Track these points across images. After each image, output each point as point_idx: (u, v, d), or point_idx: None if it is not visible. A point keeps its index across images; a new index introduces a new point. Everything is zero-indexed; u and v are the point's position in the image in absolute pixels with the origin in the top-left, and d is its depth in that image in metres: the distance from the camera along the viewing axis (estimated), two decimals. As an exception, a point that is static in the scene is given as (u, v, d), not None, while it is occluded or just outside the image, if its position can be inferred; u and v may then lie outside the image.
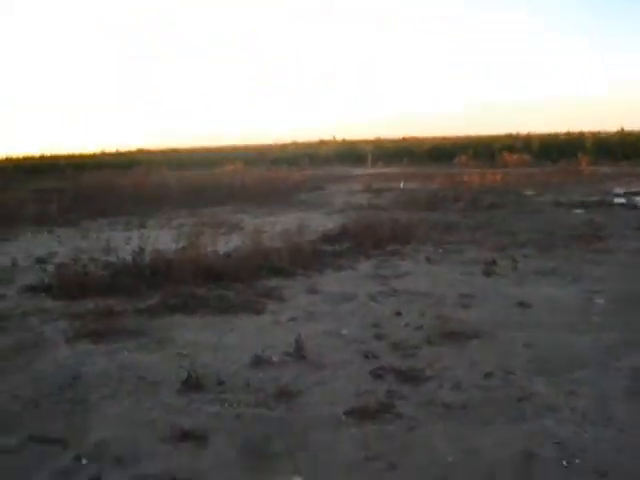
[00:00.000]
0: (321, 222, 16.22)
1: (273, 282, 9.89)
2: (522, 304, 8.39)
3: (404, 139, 63.57)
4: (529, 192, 22.42)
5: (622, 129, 51.08)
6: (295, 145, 61.56)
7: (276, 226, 13.81)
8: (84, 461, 4.78)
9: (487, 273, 10.23)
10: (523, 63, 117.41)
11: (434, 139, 58.74)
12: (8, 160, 55.27)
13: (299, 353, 6.70)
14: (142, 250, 10.71)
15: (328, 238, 13.48)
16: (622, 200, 19.05)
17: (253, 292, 9.30)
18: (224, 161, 43.30)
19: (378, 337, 7.21)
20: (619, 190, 21.52)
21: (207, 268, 10.11)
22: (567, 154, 40.93)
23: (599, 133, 55.04)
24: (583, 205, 18.22)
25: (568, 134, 55.98)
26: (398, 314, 8.09)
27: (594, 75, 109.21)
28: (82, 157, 55.17)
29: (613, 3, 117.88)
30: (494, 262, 10.92)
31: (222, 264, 10.42)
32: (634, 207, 17.80)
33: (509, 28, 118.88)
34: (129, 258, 10.68)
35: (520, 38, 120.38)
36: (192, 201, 21.55)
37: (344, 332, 7.45)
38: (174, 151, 60.50)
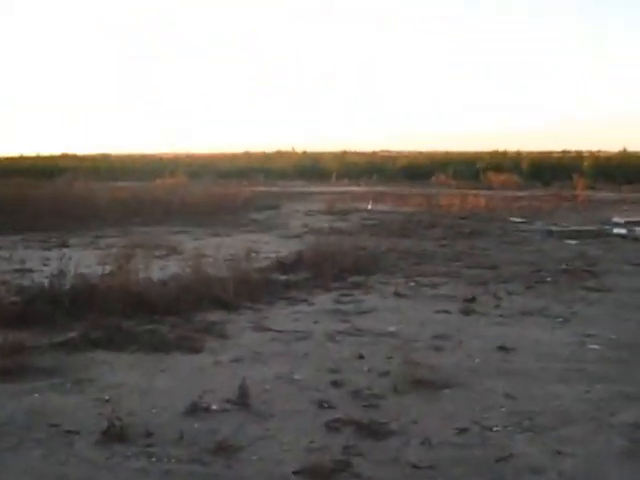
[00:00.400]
0: (274, 247, 16.21)
1: (215, 316, 9.84)
2: (504, 348, 8.45)
3: (374, 153, 64.00)
4: (516, 219, 22.69)
5: (624, 149, 51.98)
6: (248, 156, 61.60)
7: (221, 250, 13.74)
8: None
9: (465, 311, 10.30)
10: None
11: (409, 154, 59.25)
12: None
13: (243, 400, 6.65)
14: (62, 273, 10.57)
15: (281, 266, 13.46)
16: (621, 231, 19.38)
17: (191, 327, 9.24)
18: (165, 172, 43.10)
19: (336, 384, 7.20)
20: (618, 219, 21.88)
21: (138, 297, 10.01)
22: (561, 176, 41.51)
23: (598, 153, 55.99)
24: (577, 235, 18.49)
25: (563, 153, 56.91)
26: (360, 357, 8.08)
27: (595, 88, 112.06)
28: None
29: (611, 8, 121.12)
30: (473, 299, 11.00)
31: (156, 293, 10.33)
32: (635, 239, 18.10)
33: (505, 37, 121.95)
34: (46, 282, 10.54)
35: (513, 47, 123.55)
36: (124, 218, 21.41)
37: (297, 377, 7.42)
38: (105, 157, 60.10)
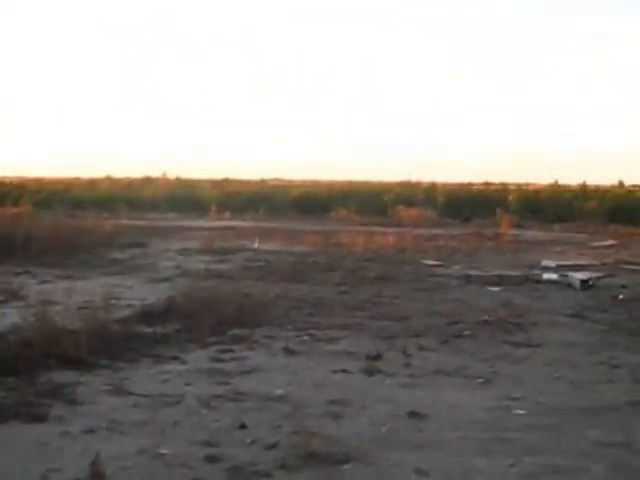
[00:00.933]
0: (139, 293, 16.03)
1: (64, 377, 9.62)
2: (415, 414, 8.49)
3: (262, 182, 64.28)
4: (430, 262, 23.03)
5: (555, 182, 53.49)
6: (110, 182, 61.01)
7: (74, 296, 13.52)
8: None
9: (369, 371, 10.33)
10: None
11: (304, 184, 59.69)
12: None
13: (96, 481, 6.51)
14: None
15: (148, 316, 13.30)
16: (552, 276, 19.82)
17: (33, 390, 8.99)
18: (6, 200, 42.34)
19: (212, 459, 7.11)
20: (549, 263, 22.40)
21: (-34, 354, 9.75)
22: (483, 212, 42.44)
23: (526, 186, 57.48)
24: (501, 281, 18.86)
25: (485, 185, 58.25)
26: (242, 427, 8.00)
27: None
28: None
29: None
30: (379, 356, 11.06)
31: (-10, 349, 10.08)
32: (568, 286, 18.55)
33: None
34: None
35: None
36: (-49, 256, 20.87)
37: (163, 451, 7.29)
38: None
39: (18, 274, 18.77)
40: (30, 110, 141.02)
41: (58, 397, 8.83)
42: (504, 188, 54.55)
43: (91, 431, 7.79)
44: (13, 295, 15.35)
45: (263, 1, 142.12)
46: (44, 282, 17.50)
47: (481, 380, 10.02)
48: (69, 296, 13.31)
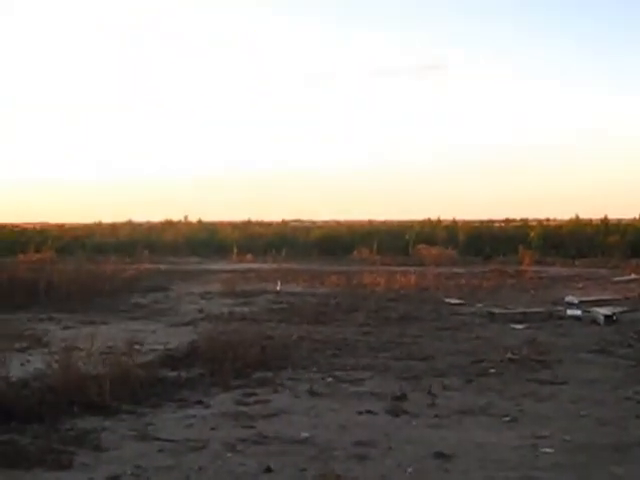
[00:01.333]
0: (162, 337, 16.03)
1: (88, 423, 9.61)
2: (442, 455, 8.43)
3: (284, 223, 64.40)
4: (452, 300, 22.95)
5: (577, 217, 53.27)
6: (130, 226, 61.23)
7: (97, 342, 13.50)
8: None
9: (394, 412, 10.28)
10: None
11: (325, 224, 59.75)
12: None
13: (122, 528, 6.48)
14: None
15: (171, 360, 13.30)
16: (576, 312, 19.73)
17: (58, 437, 8.99)
18: (29, 246, 42.55)
19: (238, 503, 7.08)
20: (572, 299, 22.29)
21: (-8, 401, 9.76)
22: (504, 248, 42.32)
23: (547, 221, 57.34)
24: (524, 318, 18.76)
25: (506, 222, 58.15)
26: (267, 470, 7.96)
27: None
28: None
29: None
30: (403, 396, 11.00)
31: (14, 396, 10.07)
32: (592, 322, 18.45)
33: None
34: None
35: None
36: (-25, 303, 20.94)
37: (189, 496, 7.28)
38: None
39: (42, 320, 18.82)
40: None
41: (83, 443, 8.82)
42: (525, 224, 54.48)
43: (116, 477, 7.77)
44: (37, 341, 15.39)
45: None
46: (67, 328, 17.53)
47: (507, 419, 9.95)
48: (92, 341, 13.29)
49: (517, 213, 74.23)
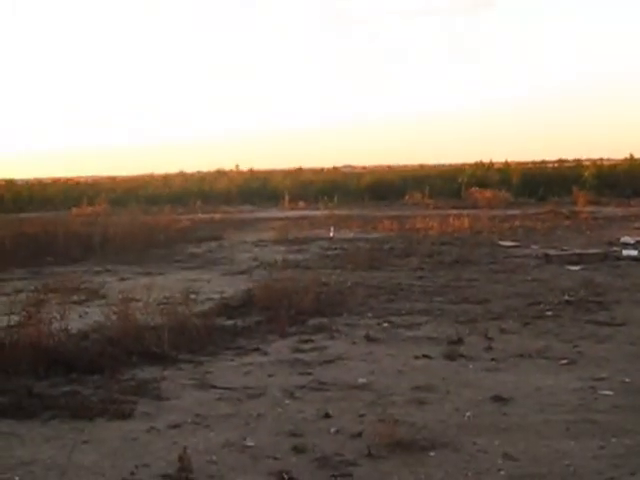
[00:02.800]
0: (217, 286, 16.13)
1: (148, 373, 9.73)
2: (499, 399, 8.43)
3: (335, 169, 64.23)
4: (507, 243, 22.82)
5: (631, 156, 52.51)
6: (183, 177, 61.44)
7: (153, 292, 13.61)
8: None
9: (450, 356, 10.28)
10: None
11: (376, 170, 59.52)
12: None
13: (184, 475, 6.55)
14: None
15: (227, 309, 13.40)
16: (633, 252, 19.54)
17: (118, 388, 9.10)
18: (83, 199, 42.89)
19: (298, 450, 7.12)
20: (628, 239, 22.08)
21: (52, 353, 9.89)
22: (558, 190, 41.89)
23: (601, 161, 56.59)
24: (580, 260, 18.62)
25: (560, 162, 57.50)
26: (326, 416, 8.02)
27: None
28: None
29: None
30: (460, 340, 11.00)
31: (74, 348, 10.22)
32: (649, 262, 18.28)
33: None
34: None
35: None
36: (34, 256, 21.18)
37: (249, 443, 7.33)
38: (9, 183, 59.52)
39: (98, 272, 19.00)
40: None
41: (143, 393, 8.92)
42: (579, 164, 53.85)
43: (177, 426, 7.87)
44: (94, 294, 15.54)
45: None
46: (123, 279, 17.69)
47: (565, 361, 9.91)
48: (149, 292, 13.41)
49: (570, 154, 73.37)
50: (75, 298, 14.63)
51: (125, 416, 8.19)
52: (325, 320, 12.57)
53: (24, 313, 11.44)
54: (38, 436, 7.70)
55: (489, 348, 10.65)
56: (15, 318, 11.34)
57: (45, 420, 8.12)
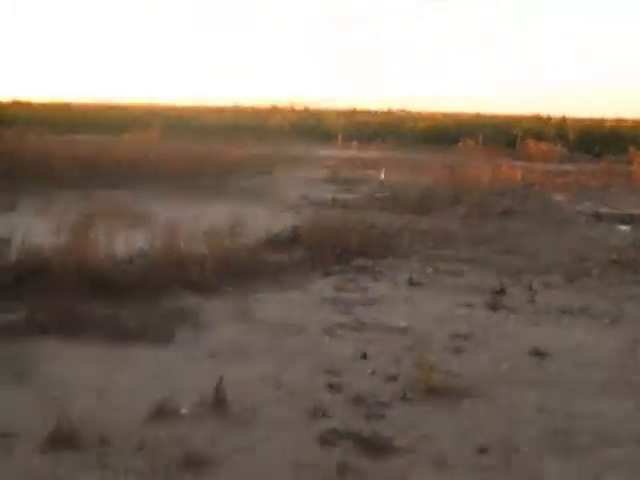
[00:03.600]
0: (265, 221, 16.12)
1: (189, 301, 9.84)
2: (538, 353, 8.42)
3: (390, 112, 63.77)
4: (559, 197, 22.64)
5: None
6: (237, 111, 61.35)
7: (201, 222, 13.67)
8: None
9: (492, 306, 10.28)
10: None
11: (432, 115, 59.02)
12: None
13: (219, 405, 6.62)
14: (6, 242, 10.54)
15: (273, 244, 13.46)
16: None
17: (159, 314, 9.22)
18: (136, 126, 42.96)
19: (333, 388, 7.18)
20: (683, 201, 21.81)
21: (97, 275, 10.02)
22: (615, 148, 41.34)
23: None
24: (631, 220, 18.44)
25: (617, 121, 56.63)
26: (363, 357, 8.07)
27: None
28: None
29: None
30: (503, 291, 10.98)
31: (119, 272, 10.33)
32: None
33: None
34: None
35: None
36: (84, 179, 21.27)
37: (286, 378, 7.40)
38: (65, 106, 59.82)
39: (147, 199, 19.01)
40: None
41: (183, 321, 9.02)
42: (637, 124, 53.09)
43: (214, 356, 7.95)
44: (142, 220, 15.58)
45: None
46: (172, 208, 17.73)
47: (607, 320, 9.86)
48: (196, 222, 13.47)
49: (629, 113, 72.25)
50: (122, 223, 14.72)
51: (164, 342, 8.29)
52: (370, 261, 12.59)
53: (72, 234, 11.57)
54: (76, 356, 7.82)
55: (532, 301, 10.62)
56: (63, 239, 11.47)
57: (85, 341, 8.23)
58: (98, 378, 7.22)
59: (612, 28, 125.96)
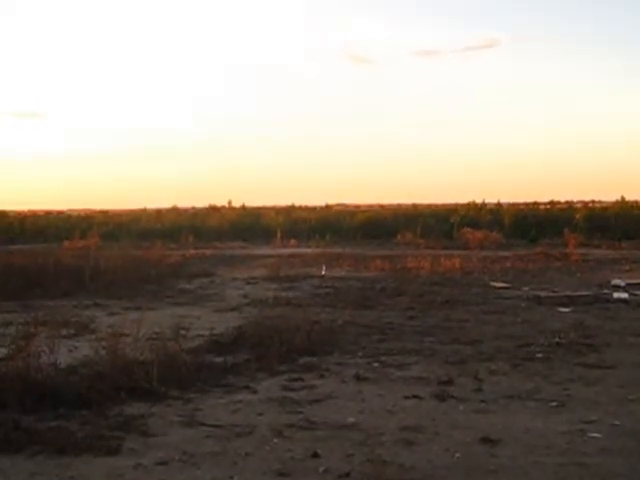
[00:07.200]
0: (207, 323, 16.09)
1: (136, 409, 9.69)
2: (489, 440, 8.41)
3: (328, 207, 64.35)
4: (498, 284, 22.85)
5: (622, 198, 52.78)
6: (175, 212, 61.52)
7: (143, 328, 13.58)
8: None
9: (440, 396, 10.26)
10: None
11: (369, 209, 59.67)
12: None
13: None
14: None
15: (217, 346, 13.36)
16: (623, 295, 19.59)
17: (106, 423, 9.06)
18: (74, 233, 42.85)
19: (285, 489, 7.10)
20: (619, 282, 22.13)
21: (40, 387, 9.84)
22: (549, 231, 42.08)
23: (592, 203, 56.89)
24: (571, 302, 18.65)
25: (551, 204, 57.70)
26: (314, 456, 7.98)
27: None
28: None
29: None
30: (450, 381, 10.98)
31: (62, 382, 10.17)
32: (638, 305, 18.28)
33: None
34: None
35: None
36: (23, 289, 21.10)
37: (237, 482, 7.31)
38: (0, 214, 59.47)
39: (88, 307, 18.96)
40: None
41: (130, 429, 8.88)
42: (570, 206, 54.09)
43: (164, 463, 7.83)
44: (84, 328, 15.50)
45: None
46: (113, 314, 17.65)
47: (554, 403, 9.90)
48: (138, 327, 13.36)
49: (562, 195, 73.78)
50: (64, 332, 14.57)
51: (112, 452, 8.14)
52: (315, 359, 12.55)
53: (13, 346, 11.42)
54: (23, 471, 7.66)
55: (479, 389, 10.64)
56: (4, 351, 11.34)
57: (31, 455, 8.07)
58: (45, 493, 7.08)
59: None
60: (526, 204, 59.09)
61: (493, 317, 16.80)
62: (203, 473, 7.54)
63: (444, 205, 60.20)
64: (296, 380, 11.26)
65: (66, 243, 39.78)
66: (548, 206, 57.16)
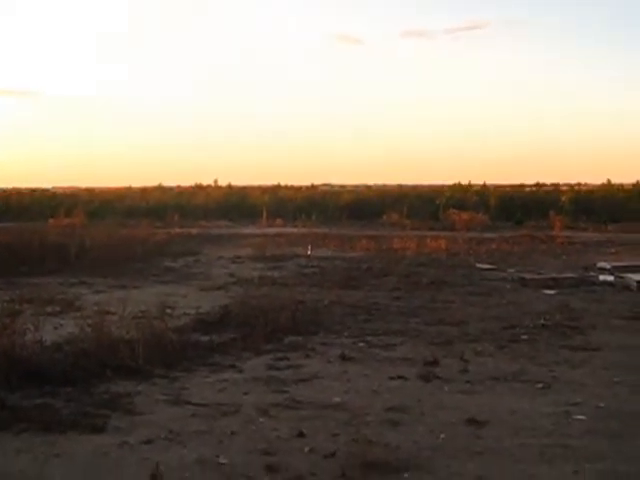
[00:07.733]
0: (193, 302, 16.07)
1: (121, 387, 9.67)
2: (474, 421, 8.42)
3: (314, 187, 64.25)
4: (484, 265, 22.88)
5: (608, 181, 52.87)
6: (161, 191, 61.33)
7: (129, 306, 13.55)
8: None
9: (426, 377, 10.27)
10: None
11: (355, 189, 59.64)
12: None
13: (156, 492, 6.51)
14: None
15: (203, 325, 13.35)
16: (608, 278, 19.61)
17: (91, 401, 9.05)
18: (59, 210, 42.71)
19: (271, 468, 7.09)
20: (604, 264, 22.13)
21: (25, 364, 9.81)
22: (535, 214, 42.12)
23: (578, 186, 56.97)
24: (556, 284, 18.68)
25: (537, 186, 57.78)
26: (300, 435, 7.98)
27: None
28: None
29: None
30: (435, 362, 10.99)
31: (48, 360, 10.13)
32: (624, 288, 18.33)
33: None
34: None
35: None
36: (8, 266, 21.05)
37: (222, 461, 7.29)
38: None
39: (73, 284, 18.91)
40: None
41: (116, 407, 8.87)
42: (556, 189, 54.16)
43: (150, 441, 7.82)
44: (69, 306, 15.45)
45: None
46: (99, 292, 17.61)
47: (540, 385, 9.92)
48: (124, 306, 13.34)
49: (548, 178, 73.91)
50: (50, 309, 14.57)
51: (97, 430, 8.12)
52: (301, 338, 12.54)
53: (-2, 323, 11.38)
54: (9, 448, 7.64)
55: (464, 370, 10.65)
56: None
57: (17, 432, 8.05)
58: (31, 471, 7.05)
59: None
60: (512, 186, 59.23)
61: (478, 298, 16.83)
62: (189, 451, 7.53)
63: (430, 186, 60.23)
64: (282, 359, 11.26)
65: (51, 221, 39.65)
66: (534, 188, 57.26)
